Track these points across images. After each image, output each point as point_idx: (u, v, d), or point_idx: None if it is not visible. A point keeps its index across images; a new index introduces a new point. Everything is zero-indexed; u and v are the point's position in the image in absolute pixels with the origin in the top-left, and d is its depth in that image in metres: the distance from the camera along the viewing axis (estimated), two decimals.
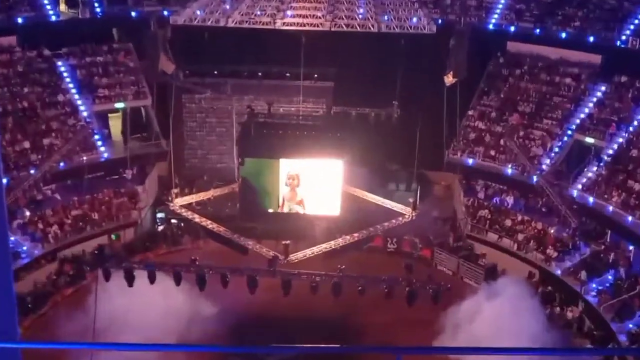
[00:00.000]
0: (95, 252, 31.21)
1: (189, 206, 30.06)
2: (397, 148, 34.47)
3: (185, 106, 36.82)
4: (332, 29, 31.07)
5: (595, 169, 32.27)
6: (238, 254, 27.59)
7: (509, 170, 33.98)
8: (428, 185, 36.66)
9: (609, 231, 31.22)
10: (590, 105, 34.44)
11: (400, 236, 33.62)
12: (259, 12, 31.56)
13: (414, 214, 28.16)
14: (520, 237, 32.28)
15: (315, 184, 27.14)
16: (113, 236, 33.39)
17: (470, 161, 34.97)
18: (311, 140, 26.69)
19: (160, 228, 35.07)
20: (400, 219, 28.28)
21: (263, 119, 27.98)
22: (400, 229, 32.24)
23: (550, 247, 31.09)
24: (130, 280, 25.22)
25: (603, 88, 34.60)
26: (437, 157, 34.97)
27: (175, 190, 29.38)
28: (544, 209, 32.94)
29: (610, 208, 30.41)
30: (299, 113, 32.33)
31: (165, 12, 34.27)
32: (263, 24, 31.27)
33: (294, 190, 27.09)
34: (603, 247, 30.94)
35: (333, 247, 27.18)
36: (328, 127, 28.05)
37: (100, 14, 36.96)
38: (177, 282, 25.67)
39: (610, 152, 32.48)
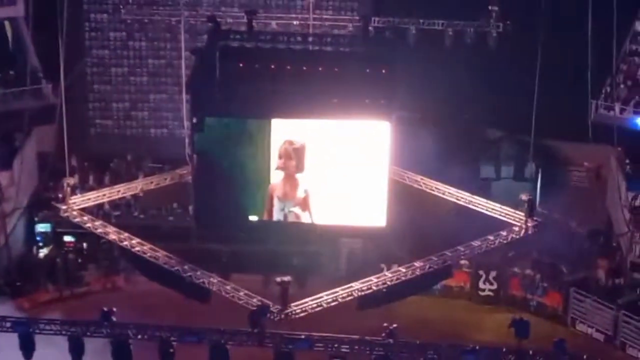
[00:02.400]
0: None
1: (97, 211, 30.13)
2: (498, 97, 34.40)
3: (89, 19, 36.89)
4: None
5: None
6: (192, 302, 27.72)
7: None
8: (558, 168, 36.44)
9: None
10: None
11: (504, 267, 33.67)
12: None
13: (530, 225, 28.00)
14: None
15: (336, 168, 27.18)
16: None
17: None
18: (330, 82, 26.53)
19: (43, 253, 35.35)
20: (505, 233, 28.16)
21: (238, 41, 27.95)
22: (503, 254, 32.31)
23: None
24: None
25: None
26: (576, 115, 34.74)
27: (71, 181, 29.41)
28: None
29: None
30: (307, 31, 32.24)
31: None
32: None
33: (291, 178, 27.15)
34: None
35: (374, 288, 27.20)
36: (363, 57, 27.83)
37: None
38: (77, 355, 25.83)
39: None
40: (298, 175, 26.97)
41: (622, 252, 33.74)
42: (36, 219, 35.41)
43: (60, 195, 29.16)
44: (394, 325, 24.28)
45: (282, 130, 26.85)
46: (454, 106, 34.70)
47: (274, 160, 26.86)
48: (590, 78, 32.69)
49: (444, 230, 30.18)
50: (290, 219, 27.33)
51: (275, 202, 27.19)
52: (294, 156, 26.79)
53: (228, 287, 27.30)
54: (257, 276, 31.07)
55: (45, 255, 35.21)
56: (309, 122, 26.81)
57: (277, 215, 27.34)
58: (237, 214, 27.62)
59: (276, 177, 27.03)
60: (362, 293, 27.18)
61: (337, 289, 27.08)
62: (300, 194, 27.09)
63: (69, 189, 29.02)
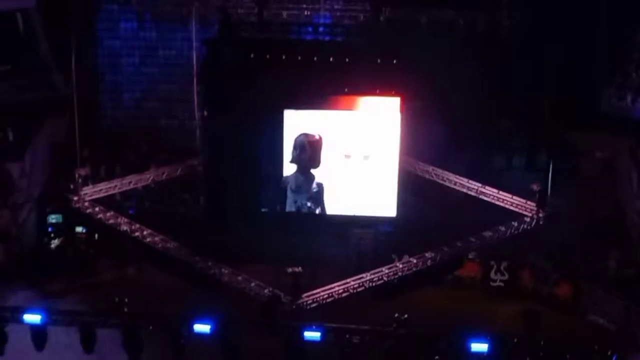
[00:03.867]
0: None
1: (108, 202, 30.36)
2: (510, 86, 34.38)
3: (101, 9, 36.88)
4: None
5: None
6: (203, 293, 27.87)
7: None
8: (569, 158, 36.29)
9: None
10: None
11: (516, 258, 33.61)
12: None
13: (541, 215, 28.08)
14: None
15: (347, 158, 27.60)
16: None
17: None
18: (342, 74, 26.80)
19: (55, 243, 35.27)
20: (516, 224, 28.21)
21: (249, 32, 28.12)
22: (515, 244, 32.28)
23: None
24: None
25: None
26: (587, 105, 34.68)
27: (82, 172, 29.65)
28: None
29: None
30: (319, 21, 32.25)
31: None
32: None
33: (305, 171, 27.40)
34: None
35: (385, 278, 27.35)
36: (374, 47, 28.01)
37: None
38: (88, 345, 26.00)
39: None
40: (312, 170, 27.24)
41: (634, 242, 33.55)
42: (48, 210, 35.20)
43: (71, 186, 29.38)
44: (405, 316, 24.38)
45: (294, 122, 26.92)
46: (465, 96, 34.30)
47: (287, 152, 26.95)
48: (602, 68, 32.57)
49: (454, 221, 30.35)
50: (303, 212, 27.62)
51: (289, 194, 27.30)
52: (308, 149, 26.86)
53: (239, 278, 27.48)
54: (269, 267, 30.74)
55: (57, 246, 35.03)
56: (320, 112, 26.89)
57: (289, 208, 27.60)
58: (249, 205, 27.78)
59: (289, 169, 27.14)
60: (374, 284, 27.33)
61: (349, 280, 27.25)
62: (313, 187, 27.18)
63: (80, 180, 29.24)
